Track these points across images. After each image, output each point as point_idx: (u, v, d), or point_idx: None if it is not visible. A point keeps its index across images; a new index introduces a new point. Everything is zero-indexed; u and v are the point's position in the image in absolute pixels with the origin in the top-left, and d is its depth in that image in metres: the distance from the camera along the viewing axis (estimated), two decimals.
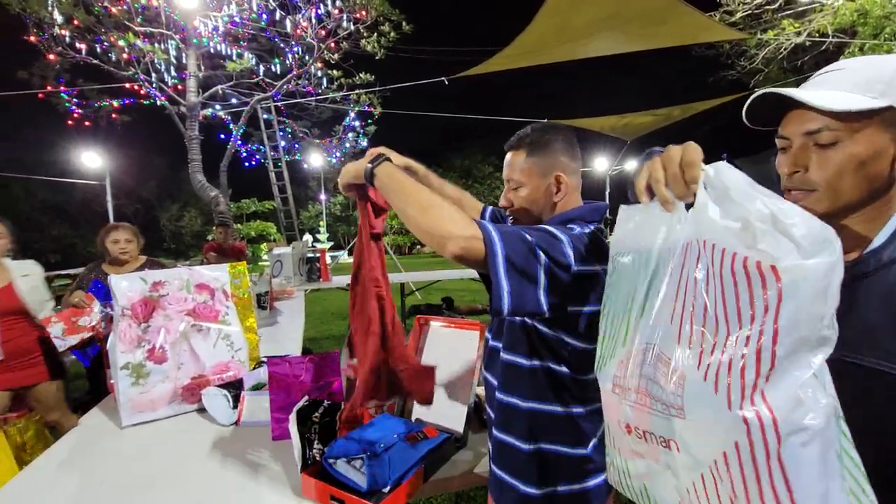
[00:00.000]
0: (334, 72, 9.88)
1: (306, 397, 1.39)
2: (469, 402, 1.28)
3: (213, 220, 8.90)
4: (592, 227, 0.93)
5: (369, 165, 0.96)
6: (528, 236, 0.81)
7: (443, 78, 8.13)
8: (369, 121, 11.52)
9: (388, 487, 1.01)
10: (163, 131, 11.87)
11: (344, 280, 4.74)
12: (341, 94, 10.03)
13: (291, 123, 11.32)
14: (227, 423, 1.46)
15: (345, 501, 0.99)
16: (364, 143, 11.96)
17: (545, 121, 1.03)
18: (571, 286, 0.83)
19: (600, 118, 10.66)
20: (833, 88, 0.63)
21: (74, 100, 10.21)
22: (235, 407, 1.49)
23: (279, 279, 4.15)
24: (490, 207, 1.31)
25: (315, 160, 13.10)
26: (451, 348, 1.34)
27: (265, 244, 18.51)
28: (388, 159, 0.97)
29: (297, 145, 11.81)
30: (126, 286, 1.59)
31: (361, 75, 9.88)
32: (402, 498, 1.04)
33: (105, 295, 2.32)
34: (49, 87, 9.75)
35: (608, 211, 1.06)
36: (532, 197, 1.00)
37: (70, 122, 10.61)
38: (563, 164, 0.98)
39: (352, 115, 11.27)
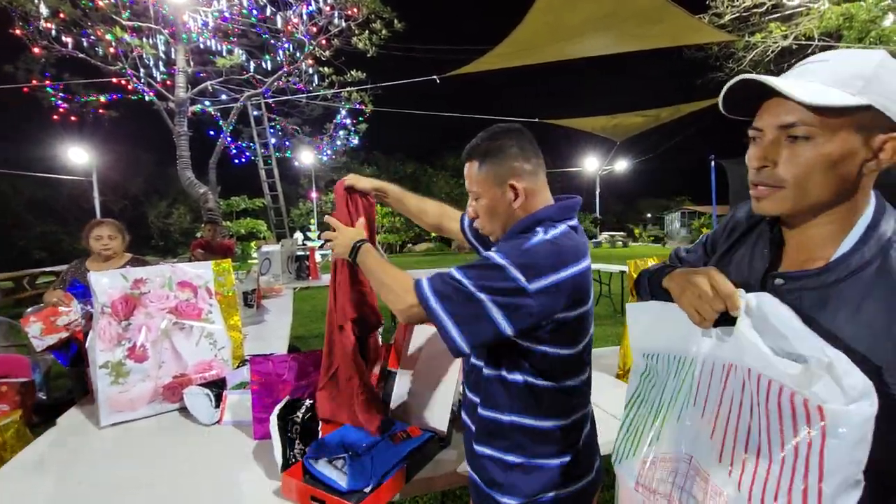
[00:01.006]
0: (325, 69, 9.81)
1: (288, 397, 1.38)
2: (453, 402, 1.28)
3: (201, 217, 8.80)
4: (561, 227, 0.92)
5: (349, 259, 1.12)
6: (463, 279, 0.85)
7: (434, 76, 8.11)
8: (360, 118, 11.45)
9: (370, 487, 1.00)
10: (151, 127, 11.70)
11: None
12: (332, 91, 9.97)
13: (282, 121, 11.23)
14: (208, 422, 1.44)
15: (325, 502, 0.98)
16: (355, 140, 11.87)
17: (499, 125, 1.00)
18: (537, 302, 0.83)
19: (591, 118, 10.72)
20: (813, 80, 0.61)
21: (60, 94, 10.04)
22: (218, 406, 1.47)
23: (267, 277, 4.11)
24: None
25: (306, 157, 13.02)
26: (437, 347, 1.33)
27: (255, 242, 18.32)
28: (365, 241, 1.12)
29: (287, 142, 11.71)
30: (107, 283, 1.56)
31: (353, 73, 9.82)
32: (383, 497, 1.03)
33: (85, 293, 2.28)
34: (35, 82, 9.59)
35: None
36: (491, 206, 0.98)
37: (56, 117, 10.42)
38: (517, 168, 0.95)
39: (343, 112, 11.19)
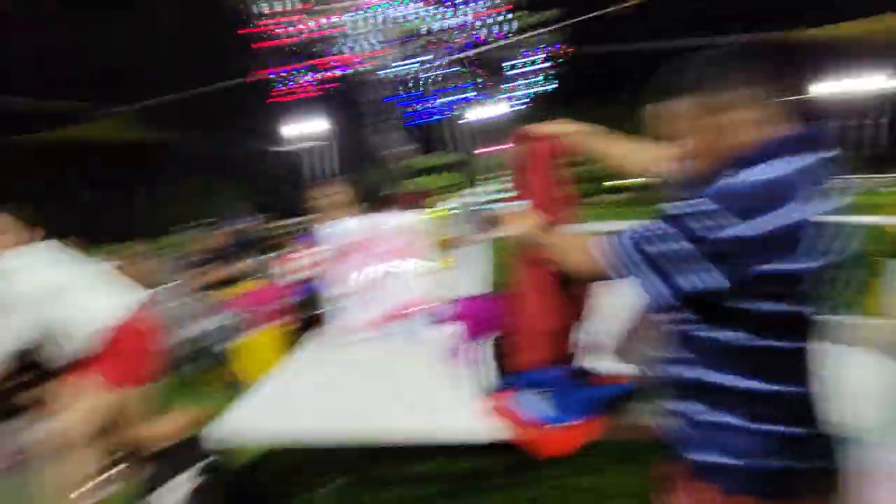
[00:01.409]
0: (519, 13, 9.60)
1: (493, 334, 1.52)
2: (649, 355, 1.22)
3: (388, 173, 9.85)
4: (787, 164, 0.76)
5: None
6: (668, 228, 0.80)
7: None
8: (550, 62, 10.95)
9: (572, 422, 1.05)
10: (361, 98, 13.30)
11: None
12: (526, 35, 9.75)
13: (474, 72, 11.48)
14: (423, 350, 1.68)
15: (527, 428, 1.07)
16: (547, 87, 11.46)
17: (711, 50, 0.84)
18: (750, 250, 0.73)
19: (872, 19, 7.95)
20: None
21: (279, 79, 11.97)
22: (432, 336, 1.72)
23: (456, 228, 4.46)
24: None
25: (485, 112, 13.11)
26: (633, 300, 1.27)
27: (438, 196, 19.89)
28: (539, 231, 1.13)
29: (480, 96, 11.96)
30: (340, 229, 1.93)
31: (547, 13, 9.39)
32: (582, 434, 1.07)
33: (319, 240, 2.87)
34: (259, 72, 11.62)
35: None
36: (702, 145, 0.85)
37: (288, 97, 12.62)
38: (738, 96, 0.80)
39: (537, 56, 10.79)
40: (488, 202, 4.86)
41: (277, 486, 2.09)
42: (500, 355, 1.35)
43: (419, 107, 11.31)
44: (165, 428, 2.40)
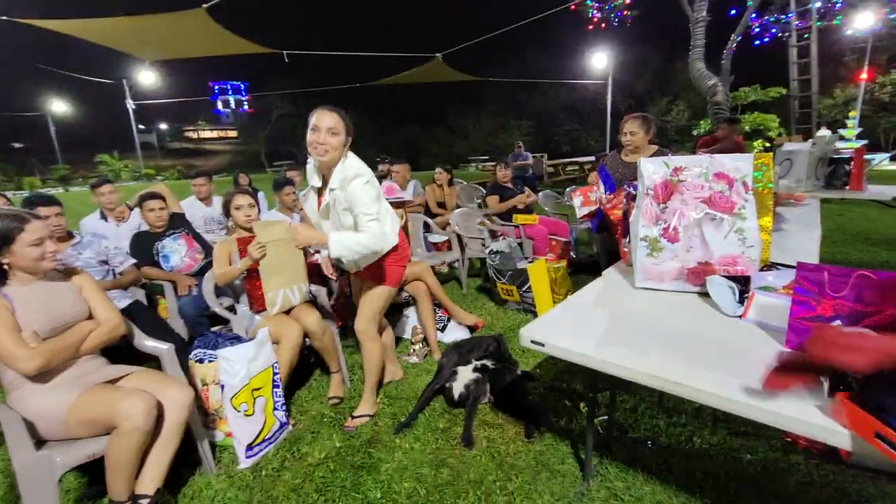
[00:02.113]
0: None
1: (840, 319, 1.16)
2: None
3: (701, 112, 8.39)
4: None
5: None
6: None
7: None
8: None
9: None
10: (665, 22, 11.73)
11: (886, 190, 3.47)
12: None
13: None
14: (731, 313, 1.44)
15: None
16: None
17: None
18: None
19: None
20: None
21: (595, 4, 11.47)
22: (741, 302, 1.45)
23: (788, 181, 3.52)
24: None
25: (864, 21, 9.42)
26: None
27: (759, 141, 15.99)
28: None
29: (839, 3, 8.84)
30: (651, 169, 1.75)
31: None
32: None
33: (607, 178, 2.73)
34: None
35: None
36: None
37: (590, 27, 12.13)
38: None
39: None
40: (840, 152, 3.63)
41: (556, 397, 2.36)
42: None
43: (751, 24, 9.02)
44: (467, 318, 3.14)
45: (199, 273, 3.10)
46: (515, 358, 2.61)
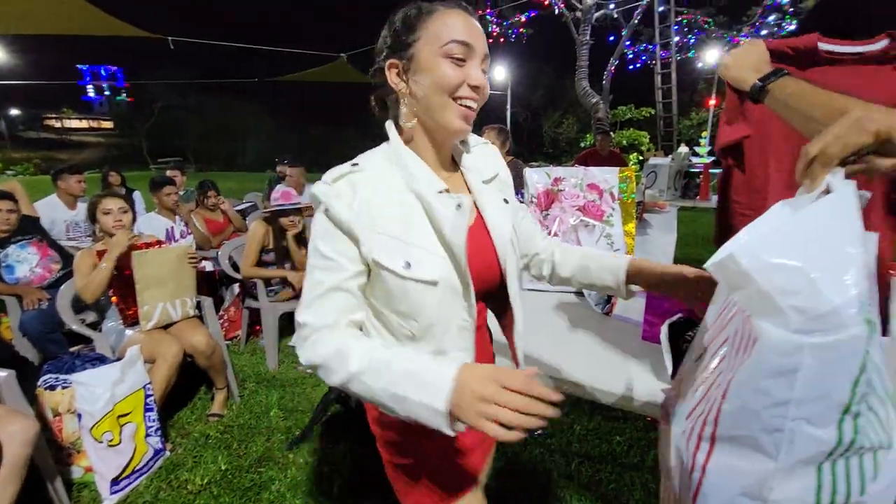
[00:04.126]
0: None
1: (680, 313, 1.35)
2: None
3: (587, 127, 9.28)
4: None
5: (758, 83, 0.84)
6: None
7: None
8: None
9: None
10: (556, 40, 12.75)
11: None
12: None
13: (691, 13, 9.89)
14: (600, 311, 1.61)
15: None
16: (791, 26, 9.16)
17: None
18: None
19: None
20: None
21: (494, 19, 12.08)
22: (608, 301, 1.63)
23: (653, 191, 4.01)
24: None
25: (711, 57, 11.17)
26: None
27: (634, 154, 18.07)
28: (788, 73, 0.82)
29: (692, 40, 10.35)
30: (535, 179, 1.89)
31: None
32: None
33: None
34: (479, 12, 11.88)
35: None
36: None
37: (489, 41, 12.72)
38: None
39: None
40: (691, 164, 4.24)
41: None
42: (688, 339, 1.20)
43: (626, 50, 10.17)
44: None
45: (56, 285, 2.69)
46: None
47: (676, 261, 1.86)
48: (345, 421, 2.25)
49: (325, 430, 2.18)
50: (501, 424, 0.56)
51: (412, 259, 0.74)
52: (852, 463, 0.49)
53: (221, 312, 3.31)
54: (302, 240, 3.15)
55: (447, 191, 0.79)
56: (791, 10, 8.88)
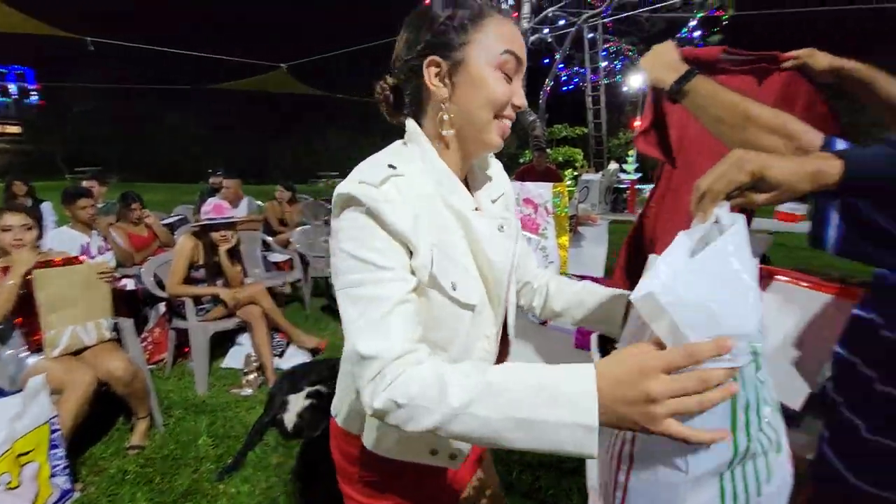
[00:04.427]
0: None
1: None
2: (816, 382, 1.04)
3: (525, 143, 9.67)
4: None
5: (675, 85, 0.87)
6: None
7: None
8: (714, 29, 9.60)
9: None
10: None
11: None
12: None
13: (616, 41, 10.64)
14: (536, 321, 1.67)
15: None
16: (720, 49, 10.12)
17: None
18: None
19: None
20: None
21: None
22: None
23: (585, 205, 4.23)
24: None
25: (636, 81, 12.09)
26: (806, 314, 1.09)
27: (570, 170, 19.01)
28: (699, 73, 0.86)
29: (618, 66, 11.13)
30: None
31: None
32: None
33: None
34: None
35: None
36: None
37: None
38: None
39: (692, 23, 9.62)
40: (619, 180, 4.53)
41: None
42: (606, 347, 1.27)
43: (560, 73, 10.75)
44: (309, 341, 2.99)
45: None
46: None
47: (607, 270, 1.95)
48: (282, 447, 2.15)
49: (261, 458, 2.07)
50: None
51: (456, 279, 0.67)
52: (748, 469, 0.54)
53: (145, 334, 3.07)
54: (236, 254, 3.00)
55: (477, 209, 0.73)
56: (700, 44, 9.89)
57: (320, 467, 1.98)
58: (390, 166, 0.67)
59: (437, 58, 0.67)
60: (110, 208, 3.99)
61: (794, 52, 1.08)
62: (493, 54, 0.67)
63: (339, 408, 0.84)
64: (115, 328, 2.25)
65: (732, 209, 0.57)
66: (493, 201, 0.80)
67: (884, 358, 0.75)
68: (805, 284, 1.13)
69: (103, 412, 2.24)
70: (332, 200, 0.66)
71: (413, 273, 0.64)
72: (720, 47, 1.16)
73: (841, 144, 0.74)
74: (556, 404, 0.49)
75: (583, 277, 1.56)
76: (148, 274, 2.97)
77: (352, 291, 0.62)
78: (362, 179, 0.64)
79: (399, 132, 0.79)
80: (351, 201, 0.63)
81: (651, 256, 0.59)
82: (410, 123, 0.74)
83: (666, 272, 0.49)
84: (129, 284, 3.18)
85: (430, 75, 0.68)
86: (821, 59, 1.02)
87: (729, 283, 0.48)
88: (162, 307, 3.11)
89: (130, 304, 3.10)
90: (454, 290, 0.66)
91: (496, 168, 0.85)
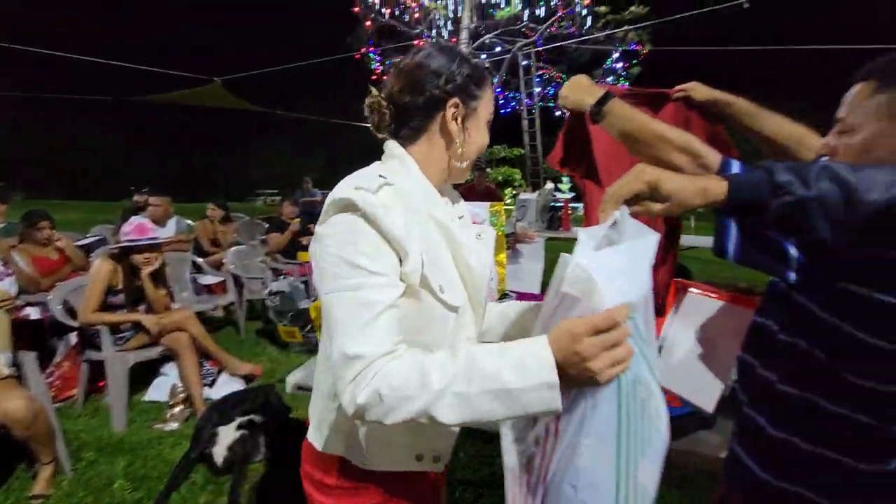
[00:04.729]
0: (602, 8, 9.24)
1: None
2: (726, 384, 1.14)
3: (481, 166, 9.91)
4: None
5: (595, 107, 0.98)
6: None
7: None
8: (634, 61, 10.47)
9: None
10: None
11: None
12: (605, 32, 9.36)
13: (549, 68, 11.29)
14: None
15: None
16: (625, 87, 11.06)
17: None
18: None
19: None
20: None
21: (377, 58, 12.46)
22: None
23: (523, 223, 4.39)
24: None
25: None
26: (714, 322, 1.19)
27: (509, 189, 19.66)
28: (613, 96, 0.98)
29: (552, 91, 11.81)
30: None
31: (633, 8, 8.94)
32: None
33: None
34: (362, 49, 12.18)
35: None
36: (868, 145, 0.74)
37: (373, 77, 13.08)
38: None
39: (614, 56, 10.44)
40: (555, 199, 4.75)
41: None
42: None
43: (497, 96, 11.22)
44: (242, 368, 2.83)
45: None
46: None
47: (544, 286, 2.03)
48: (212, 484, 2.00)
49: (186, 499, 1.91)
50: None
51: (443, 282, 0.73)
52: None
53: (52, 368, 2.76)
54: (161, 277, 2.81)
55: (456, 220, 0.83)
56: (623, 73, 10.81)
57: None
58: (381, 175, 0.72)
59: (458, 100, 0.77)
60: (12, 229, 3.60)
61: (680, 86, 1.23)
62: (488, 112, 0.83)
63: (319, 432, 0.83)
64: (15, 363, 2.01)
65: (633, 216, 0.66)
66: (460, 219, 0.88)
67: (780, 361, 0.84)
68: (713, 295, 1.25)
69: (0, 458, 1.99)
70: (324, 207, 0.70)
71: (402, 279, 0.68)
72: (624, 86, 1.31)
73: (736, 166, 0.84)
74: (522, 372, 0.57)
75: (520, 294, 1.61)
76: (56, 301, 2.70)
77: (342, 295, 0.65)
78: (359, 185, 0.68)
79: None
80: (349, 206, 0.67)
81: (562, 254, 0.65)
82: (392, 143, 0.81)
83: (586, 254, 0.59)
84: (34, 313, 2.87)
85: (449, 113, 0.77)
86: (700, 91, 1.19)
87: (633, 269, 0.60)
88: (73, 338, 2.83)
89: (34, 336, 2.79)
90: (442, 292, 0.72)
91: (456, 193, 0.93)
